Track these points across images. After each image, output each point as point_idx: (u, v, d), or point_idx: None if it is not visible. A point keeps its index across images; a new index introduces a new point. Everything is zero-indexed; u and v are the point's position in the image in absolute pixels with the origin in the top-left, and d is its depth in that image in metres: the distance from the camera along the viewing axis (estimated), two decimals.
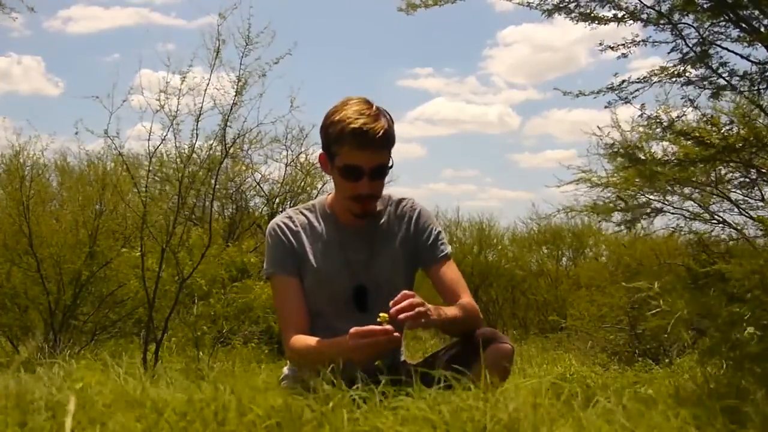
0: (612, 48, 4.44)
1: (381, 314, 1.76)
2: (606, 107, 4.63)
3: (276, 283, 2.07)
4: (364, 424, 1.28)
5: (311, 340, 1.95)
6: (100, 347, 6.67)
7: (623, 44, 4.41)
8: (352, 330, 1.75)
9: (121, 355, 6.16)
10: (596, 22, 4.29)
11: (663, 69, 4.40)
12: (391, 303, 1.78)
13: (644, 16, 4.23)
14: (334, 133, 1.95)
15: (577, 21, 4.30)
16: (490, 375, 1.63)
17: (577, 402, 1.38)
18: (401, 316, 1.75)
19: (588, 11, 4.25)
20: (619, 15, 4.23)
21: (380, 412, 1.34)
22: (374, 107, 1.97)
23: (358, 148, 1.92)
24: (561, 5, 4.25)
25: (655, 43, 4.39)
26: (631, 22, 4.24)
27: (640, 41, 4.37)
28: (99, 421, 1.29)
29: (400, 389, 1.45)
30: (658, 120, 4.89)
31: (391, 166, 2.02)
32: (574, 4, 4.25)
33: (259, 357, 6.74)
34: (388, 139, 1.97)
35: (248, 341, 6.81)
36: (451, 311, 1.95)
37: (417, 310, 1.75)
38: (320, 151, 2.07)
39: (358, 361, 1.74)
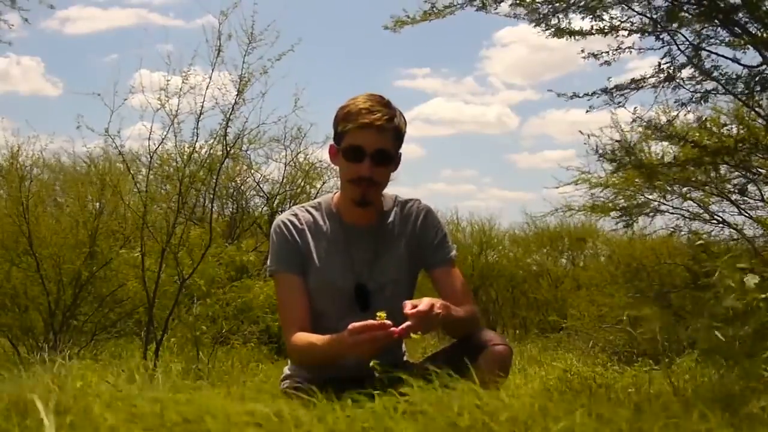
0: (595, 56, 4.44)
1: (378, 313, 1.76)
2: (587, 112, 4.64)
3: (279, 281, 2.07)
4: (363, 422, 1.28)
5: (312, 337, 1.94)
6: (100, 347, 6.67)
7: (606, 52, 4.42)
8: (350, 326, 1.76)
9: (120, 355, 6.17)
10: (575, 36, 4.30)
11: (634, 81, 4.40)
12: (409, 308, 1.77)
13: (627, 25, 4.24)
14: (342, 114, 2.01)
15: (554, 36, 4.31)
16: (489, 375, 1.63)
17: (577, 402, 1.38)
18: (411, 330, 1.76)
19: (564, 25, 4.24)
20: (600, 27, 4.23)
21: (381, 410, 1.33)
22: (387, 100, 2.02)
23: (363, 127, 1.96)
24: (544, 18, 4.25)
25: (641, 50, 4.40)
26: (614, 34, 4.25)
27: (626, 48, 4.38)
28: (97, 421, 1.28)
29: (400, 387, 1.46)
30: (652, 123, 4.90)
31: (398, 162, 2.05)
32: (560, 16, 4.25)
33: (259, 357, 6.74)
34: (393, 126, 2.00)
35: (247, 341, 6.81)
36: (457, 312, 1.96)
37: (429, 323, 1.77)
38: (330, 142, 2.10)
39: (358, 356, 1.75)
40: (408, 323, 1.74)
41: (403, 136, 2.05)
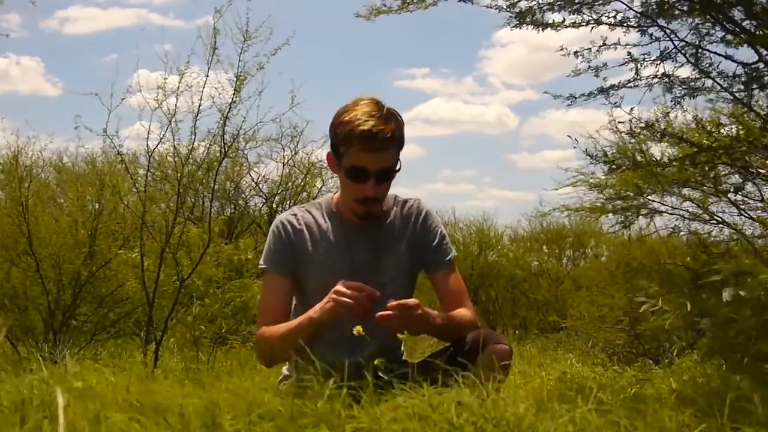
0: (576, 54, 4.38)
1: (356, 328, 1.78)
2: (568, 106, 4.60)
3: (266, 280, 2.08)
4: (364, 421, 1.28)
5: (287, 323, 1.99)
6: (99, 347, 6.67)
7: (588, 49, 4.34)
8: (342, 281, 1.82)
9: (120, 355, 6.17)
10: (551, 28, 4.24)
11: (635, 78, 4.37)
12: (392, 304, 1.79)
13: (609, 21, 4.19)
14: (342, 134, 1.94)
15: (539, 29, 4.24)
16: (489, 375, 1.63)
17: (578, 402, 1.38)
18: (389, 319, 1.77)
19: (541, 19, 4.19)
20: (583, 19, 4.18)
21: (380, 409, 1.33)
22: (385, 109, 1.96)
23: (365, 150, 1.91)
24: (526, 16, 4.20)
25: (627, 46, 4.34)
26: (594, 26, 4.19)
27: (611, 44, 4.32)
28: (97, 421, 1.28)
29: (400, 386, 1.46)
30: (649, 123, 4.89)
31: (399, 169, 2.01)
32: (538, 12, 4.20)
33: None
34: (396, 142, 1.96)
35: (247, 341, 6.80)
36: (446, 318, 1.97)
37: (399, 320, 1.78)
38: (329, 150, 2.06)
39: (329, 317, 1.82)
40: (388, 312, 1.77)
41: (403, 142, 2.02)
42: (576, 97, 4.50)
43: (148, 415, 1.31)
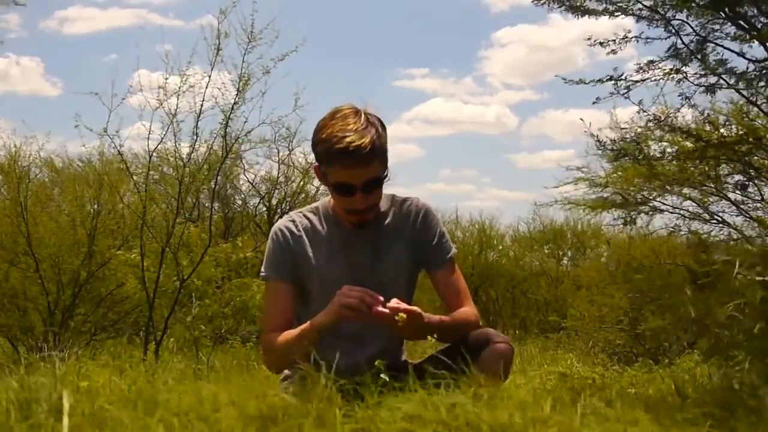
0: (602, 44, 4.50)
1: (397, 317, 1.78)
2: (594, 103, 4.67)
3: (268, 287, 2.08)
4: (361, 421, 1.28)
5: (292, 330, 1.98)
6: (99, 347, 6.66)
7: (614, 40, 4.49)
8: (346, 286, 1.84)
9: (120, 355, 6.16)
10: (587, 14, 4.35)
11: (650, 63, 4.46)
12: (393, 303, 1.79)
13: (636, 12, 4.30)
14: (322, 152, 1.93)
15: (569, 12, 4.36)
16: (490, 375, 1.63)
17: (577, 402, 1.38)
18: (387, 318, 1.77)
19: (579, 3, 4.31)
20: (610, 9, 4.30)
21: (378, 410, 1.33)
22: (362, 119, 1.91)
23: (346, 167, 1.89)
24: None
25: (648, 39, 4.45)
26: (623, 16, 4.31)
27: (632, 37, 4.44)
28: (98, 420, 1.28)
29: (398, 387, 1.45)
30: (656, 118, 4.91)
31: (386, 176, 1.99)
32: None
33: (258, 356, 6.72)
34: (377, 153, 1.92)
35: (247, 340, 6.80)
36: (446, 320, 1.96)
37: (405, 315, 1.78)
38: (315, 163, 2.03)
39: (333, 319, 1.84)
40: (386, 311, 1.78)
41: (386, 148, 1.98)
42: (586, 83, 4.59)
43: (148, 413, 1.30)
